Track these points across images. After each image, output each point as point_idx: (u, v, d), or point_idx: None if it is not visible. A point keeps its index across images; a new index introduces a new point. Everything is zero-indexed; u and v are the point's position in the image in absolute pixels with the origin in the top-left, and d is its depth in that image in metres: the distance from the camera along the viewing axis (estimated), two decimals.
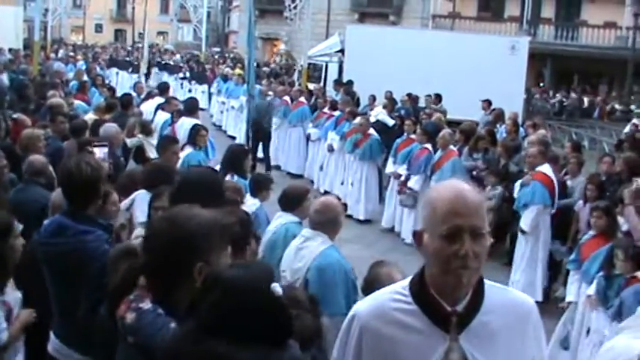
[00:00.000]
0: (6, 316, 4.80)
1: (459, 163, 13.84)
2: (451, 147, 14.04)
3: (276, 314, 2.89)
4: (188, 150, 10.43)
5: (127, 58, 37.85)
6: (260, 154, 19.14)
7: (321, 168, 17.89)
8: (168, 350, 2.91)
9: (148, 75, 34.08)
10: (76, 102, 15.66)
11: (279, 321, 2.91)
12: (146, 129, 11.98)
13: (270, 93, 21.98)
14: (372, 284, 5.51)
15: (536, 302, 3.14)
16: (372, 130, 16.06)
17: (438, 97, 22.01)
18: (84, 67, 28.10)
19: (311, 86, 25.74)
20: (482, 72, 24.59)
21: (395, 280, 5.36)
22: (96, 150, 7.80)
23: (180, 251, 3.17)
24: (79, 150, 8.43)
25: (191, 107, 13.76)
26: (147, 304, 3.29)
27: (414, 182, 14.22)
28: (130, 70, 34.43)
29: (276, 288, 2.93)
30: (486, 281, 2.92)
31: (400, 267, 5.46)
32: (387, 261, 5.59)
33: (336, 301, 5.91)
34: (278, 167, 20.19)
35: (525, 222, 11.24)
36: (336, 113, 18.17)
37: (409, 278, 2.99)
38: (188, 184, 4.82)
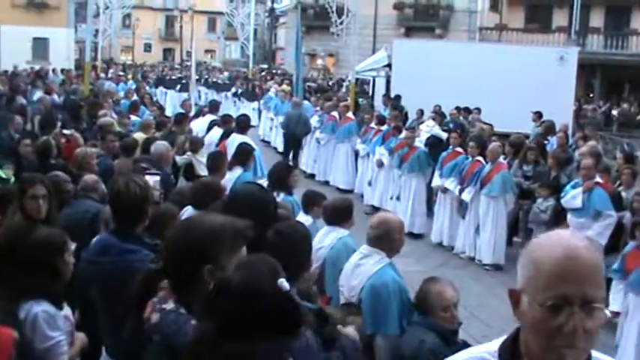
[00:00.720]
0: (71, 331, 4.86)
1: (508, 177, 13.73)
2: (500, 159, 13.93)
3: (284, 308, 2.90)
4: (238, 171, 10.32)
5: (174, 77, 38.17)
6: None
7: (370, 183, 17.84)
8: (190, 351, 2.96)
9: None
10: (133, 118, 15.81)
11: (288, 313, 2.91)
12: (195, 146, 12.07)
13: (318, 109, 22.05)
14: (423, 301, 5.50)
15: None
16: (418, 143, 16.00)
17: (467, 111, 21.88)
18: (133, 87, 28.44)
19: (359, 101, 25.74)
20: (531, 84, 24.32)
21: (444, 298, 5.34)
22: (148, 178, 7.87)
23: (189, 255, 3.34)
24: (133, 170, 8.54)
25: (243, 124, 13.85)
26: (169, 305, 3.42)
27: (467, 194, 14.14)
28: (178, 88, 34.74)
29: (283, 284, 2.94)
30: (595, 354, 2.36)
31: (454, 284, 5.45)
32: (439, 278, 5.56)
33: (390, 322, 5.82)
34: (327, 182, 20.23)
35: (599, 232, 11.18)
36: (384, 128, 18.14)
37: (499, 341, 2.47)
38: (236, 202, 4.82)
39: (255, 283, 2.88)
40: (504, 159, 14.28)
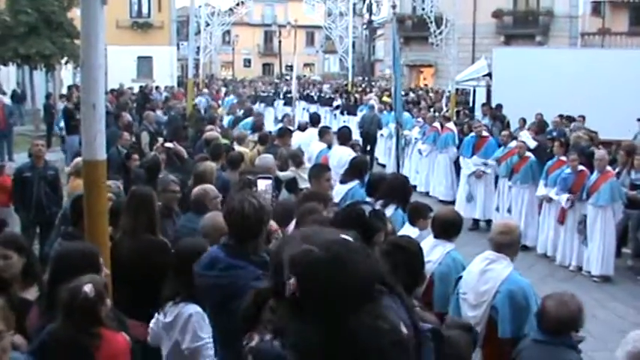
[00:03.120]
0: None
1: (617, 185, 13.36)
2: (608, 168, 13.59)
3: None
4: (353, 183, 10.16)
5: (267, 93, 38.55)
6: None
7: (469, 199, 17.64)
8: None
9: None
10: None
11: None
12: (297, 160, 12.19)
13: (420, 120, 22.05)
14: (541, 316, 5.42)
15: None
16: (529, 153, 15.78)
17: (570, 119, 21.45)
18: (235, 102, 28.89)
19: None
20: (637, 89, 23.70)
21: (554, 314, 5.26)
22: (260, 182, 7.97)
23: None
24: (242, 183, 8.69)
25: (344, 136, 13.92)
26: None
27: (584, 208, 13.77)
28: (284, 102, 35.09)
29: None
30: None
31: (577, 299, 5.40)
32: (557, 294, 5.47)
33: (530, 325, 5.86)
34: (427, 193, 20.17)
35: None
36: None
37: None
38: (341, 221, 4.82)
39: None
40: (615, 166, 13.94)
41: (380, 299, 2.97)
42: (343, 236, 3.12)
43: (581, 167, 13.98)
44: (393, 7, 27.54)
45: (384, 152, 24.77)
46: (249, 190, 7.13)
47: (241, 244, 4.94)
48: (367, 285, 2.91)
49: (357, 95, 36.45)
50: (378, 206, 7.22)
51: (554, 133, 19.26)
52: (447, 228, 7.26)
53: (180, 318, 4.96)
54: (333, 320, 2.81)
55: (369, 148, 24.65)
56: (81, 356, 4.43)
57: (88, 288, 4.42)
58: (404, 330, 3.05)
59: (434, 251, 7.02)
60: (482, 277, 6.27)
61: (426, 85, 44.15)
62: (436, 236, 7.25)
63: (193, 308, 5.03)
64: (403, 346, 3.03)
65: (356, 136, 23.95)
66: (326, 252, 2.85)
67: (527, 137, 18.08)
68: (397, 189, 8.78)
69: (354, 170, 10.44)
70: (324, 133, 14.48)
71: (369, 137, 24.90)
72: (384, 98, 31.24)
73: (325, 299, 2.81)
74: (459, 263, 7.02)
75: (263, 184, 7.79)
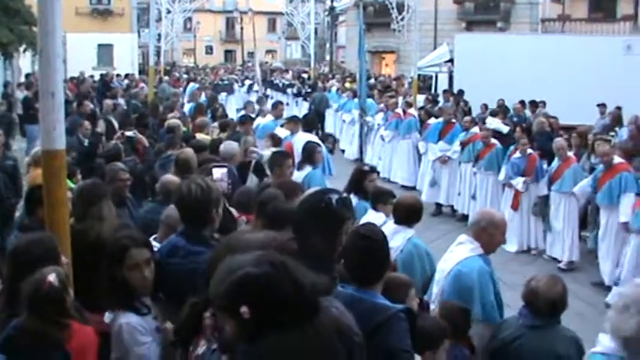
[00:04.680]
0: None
1: (580, 171, 13.47)
2: (569, 154, 13.72)
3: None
4: (307, 169, 10.40)
5: (226, 82, 38.36)
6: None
7: (432, 184, 17.71)
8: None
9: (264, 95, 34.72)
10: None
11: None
12: (276, 139, 12.27)
13: (382, 106, 22.08)
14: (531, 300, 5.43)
15: None
16: (494, 140, 15.86)
17: (534, 105, 21.67)
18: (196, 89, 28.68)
19: (421, 97, 25.66)
20: (597, 75, 23.92)
21: (547, 296, 5.28)
22: (215, 171, 7.94)
23: None
24: (198, 168, 8.66)
25: (310, 123, 13.94)
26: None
27: (540, 189, 14.03)
28: (246, 89, 34.93)
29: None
30: None
31: (560, 278, 5.49)
32: (540, 276, 5.48)
33: (475, 308, 5.90)
34: (389, 180, 20.23)
35: None
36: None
37: None
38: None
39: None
40: (571, 151, 14.09)
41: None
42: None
43: (530, 150, 14.14)
44: None
45: (347, 139, 24.73)
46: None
47: (198, 230, 5.00)
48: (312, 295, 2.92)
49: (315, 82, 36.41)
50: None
51: (515, 119, 19.42)
52: (409, 215, 7.28)
53: (114, 327, 4.80)
54: (284, 336, 2.81)
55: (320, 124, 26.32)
56: (52, 348, 4.33)
57: (52, 277, 4.31)
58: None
59: (395, 238, 7.00)
60: (447, 257, 6.35)
61: (390, 76, 44.20)
62: (397, 222, 7.28)
63: (125, 318, 4.74)
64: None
65: (345, 136, 24.42)
66: (269, 270, 2.89)
67: (498, 123, 18.19)
68: (351, 178, 8.91)
69: (305, 156, 10.69)
70: (290, 120, 14.47)
71: (319, 115, 26.29)
72: (347, 84, 31.26)
73: (276, 315, 2.81)
74: (422, 249, 7.07)
75: (218, 173, 7.76)
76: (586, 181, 12.83)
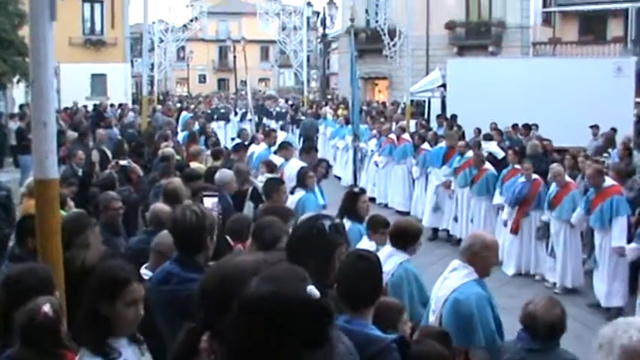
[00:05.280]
0: None
1: (580, 197, 13.17)
2: (567, 179, 13.60)
3: (318, 317, 2.70)
4: (300, 193, 10.52)
5: (222, 110, 38.48)
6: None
7: (435, 209, 17.69)
8: None
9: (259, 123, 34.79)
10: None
11: (321, 323, 2.71)
12: (271, 166, 12.33)
13: (375, 132, 22.13)
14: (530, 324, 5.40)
15: None
16: (487, 165, 15.88)
17: (527, 128, 21.73)
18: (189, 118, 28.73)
19: (412, 122, 25.74)
20: (588, 97, 24.00)
21: (546, 319, 5.25)
22: (205, 200, 7.94)
23: (226, 301, 3.06)
24: (192, 197, 8.65)
25: (307, 149, 14.03)
26: None
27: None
28: (239, 118, 35.05)
29: (313, 291, 2.69)
30: None
31: (558, 300, 5.46)
32: (538, 300, 5.46)
33: (475, 334, 5.89)
34: (386, 205, 20.25)
35: None
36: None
37: None
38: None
39: (283, 295, 2.67)
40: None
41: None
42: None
43: (535, 176, 14.11)
44: (352, 20, 27.74)
45: (341, 166, 24.75)
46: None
47: (192, 256, 4.99)
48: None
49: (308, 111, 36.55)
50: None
51: (507, 142, 19.46)
52: (402, 236, 7.29)
53: None
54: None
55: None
56: None
57: (47, 308, 4.26)
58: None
59: (388, 262, 7.01)
60: (442, 285, 6.31)
61: (383, 103, 44.29)
62: (392, 244, 7.29)
63: None
64: None
65: (339, 163, 24.60)
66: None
67: (494, 147, 18.22)
68: (343, 202, 8.94)
69: (298, 180, 10.89)
70: (282, 147, 14.53)
71: (309, 139, 27.45)
72: (340, 111, 31.35)
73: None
74: (411, 274, 7.08)
75: (209, 202, 7.74)
76: (580, 207, 12.76)
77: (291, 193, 10.49)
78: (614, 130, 21.23)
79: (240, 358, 2.71)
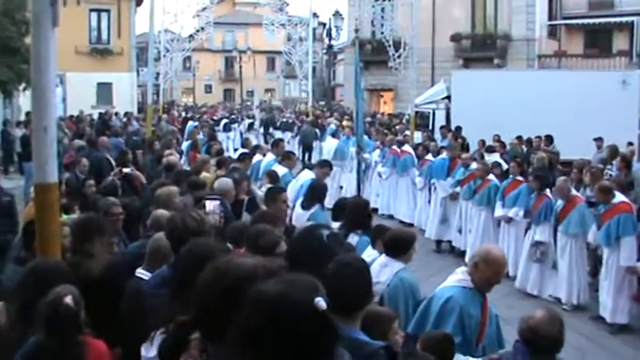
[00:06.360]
0: None
1: (586, 211, 12.94)
2: (574, 192, 13.38)
3: (319, 328, 2.70)
4: (314, 208, 10.34)
5: (227, 120, 38.55)
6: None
7: (444, 221, 17.56)
8: None
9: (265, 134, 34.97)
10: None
11: (322, 334, 2.72)
12: (273, 176, 12.32)
13: (379, 143, 22.13)
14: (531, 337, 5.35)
15: None
16: (491, 176, 15.80)
17: (549, 139, 21.71)
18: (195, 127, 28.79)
19: (417, 134, 25.76)
20: (593, 109, 24.05)
21: (548, 332, 5.23)
22: (207, 203, 7.95)
23: (221, 300, 3.18)
24: (195, 204, 8.67)
25: (322, 165, 14.03)
26: None
27: (539, 234, 13.61)
28: (246, 129, 35.24)
29: (320, 302, 2.70)
30: None
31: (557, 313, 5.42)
32: (539, 312, 5.43)
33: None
34: (391, 216, 20.26)
35: None
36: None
37: None
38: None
39: (290, 297, 2.69)
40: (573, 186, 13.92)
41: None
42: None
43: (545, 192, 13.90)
44: (356, 30, 27.70)
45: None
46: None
47: None
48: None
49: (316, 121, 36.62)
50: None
51: (510, 154, 19.48)
52: (395, 244, 7.26)
53: None
54: None
55: (307, 156, 31.36)
56: None
57: (68, 299, 4.49)
58: None
59: (383, 272, 7.00)
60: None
61: (389, 114, 44.32)
62: (387, 254, 7.25)
63: None
64: None
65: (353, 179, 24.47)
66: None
67: (500, 159, 18.20)
68: (353, 213, 8.75)
69: (314, 194, 10.55)
70: (285, 157, 14.52)
71: (307, 147, 31.58)
72: (344, 122, 31.35)
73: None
74: (407, 283, 7.01)
75: (211, 205, 7.76)
76: (594, 225, 12.51)
77: (305, 207, 10.37)
78: (630, 144, 21.26)
79: (240, 353, 2.71)
